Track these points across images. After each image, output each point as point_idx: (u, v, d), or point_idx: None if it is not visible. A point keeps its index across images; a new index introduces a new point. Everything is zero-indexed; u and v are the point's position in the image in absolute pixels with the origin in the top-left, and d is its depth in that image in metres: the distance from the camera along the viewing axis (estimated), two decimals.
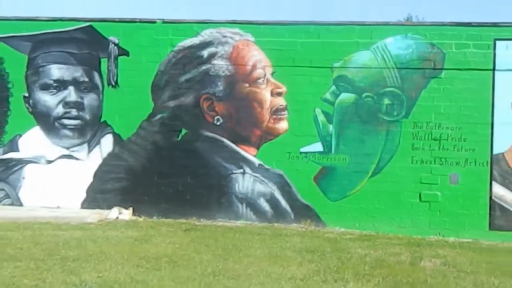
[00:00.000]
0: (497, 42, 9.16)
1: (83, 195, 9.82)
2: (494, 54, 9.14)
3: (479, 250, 7.72)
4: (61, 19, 10.00)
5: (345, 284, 4.99)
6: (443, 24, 9.36)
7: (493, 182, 9.09)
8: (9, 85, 9.99)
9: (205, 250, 6.43)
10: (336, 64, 9.42)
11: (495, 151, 9.12)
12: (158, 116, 9.68)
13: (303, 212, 9.38)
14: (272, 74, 9.51)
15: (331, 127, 9.40)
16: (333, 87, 9.41)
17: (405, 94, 9.27)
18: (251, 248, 6.70)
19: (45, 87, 9.95)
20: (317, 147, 9.43)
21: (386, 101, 9.29)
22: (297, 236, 8.10)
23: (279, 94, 9.46)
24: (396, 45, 9.33)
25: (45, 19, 10.04)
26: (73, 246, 6.38)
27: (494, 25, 9.26)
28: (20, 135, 9.98)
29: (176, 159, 9.63)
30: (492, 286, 5.26)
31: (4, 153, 9.98)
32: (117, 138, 9.81)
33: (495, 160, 9.11)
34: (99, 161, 9.84)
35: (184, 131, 9.69)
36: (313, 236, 8.21)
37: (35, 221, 8.43)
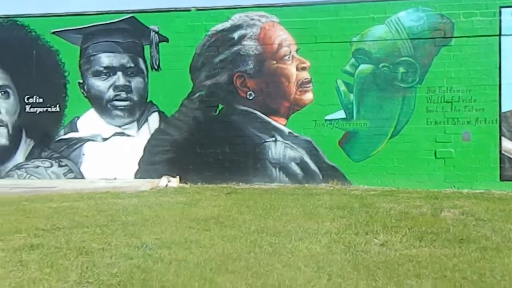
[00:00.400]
0: (502, 9, 8.85)
1: (135, 167, 9.85)
2: (500, 20, 8.85)
3: (492, 199, 7.53)
4: (107, 12, 9.94)
5: (375, 236, 4.87)
6: None
7: (502, 138, 8.88)
8: (66, 74, 10.02)
9: (246, 211, 6.36)
10: (354, 39, 9.22)
11: (503, 109, 8.90)
12: (197, 94, 9.63)
13: (330, 173, 9.28)
14: (297, 51, 9.36)
15: (352, 96, 9.24)
16: (352, 60, 9.22)
17: (418, 62, 9.04)
18: (287, 207, 6.61)
19: (97, 74, 9.95)
20: (340, 114, 9.29)
21: (401, 69, 9.07)
22: (327, 195, 7.98)
23: (304, 68, 9.31)
24: (408, 18, 9.08)
25: (93, 13, 9.98)
26: (131, 212, 6.37)
27: None
28: (78, 117, 10.04)
29: (215, 131, 9.59)
30: (509, 231, 5.10)
31: (65, 133, 10.06)
32: (162, 116, 9.80)
33: (503, 117, 8.88)
34: (147, 136, 9.85)
35: (220, 106, 9.62)
36: (341, 194, 8.09)
37: (96, 191, 8.46)
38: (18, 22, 10.11)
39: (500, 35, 8.85)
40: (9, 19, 10.13)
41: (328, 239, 4.63)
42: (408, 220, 5.63)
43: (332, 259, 3.95)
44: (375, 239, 4.63)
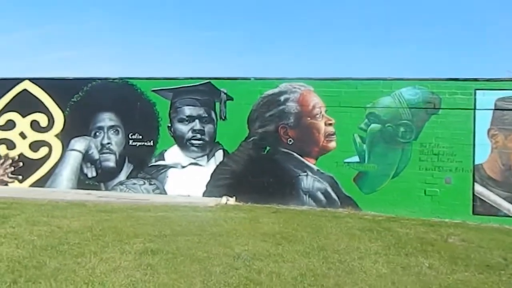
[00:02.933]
0: (477, 91, 8.34)
1: (203, 188, 9.36)
2: (475, 99, 8.31)
3: (473, 229, 6.85)
4: (191, 78, 9.61)
5: (413, 258, 4.21)
6: (440, 79, 8.56)
7: (475, 183, 8.22)
8: (159, 119, 9.61)
9: (299, 228, 5.78)
10: (368, 105, 8.71)
11: (476, 162, 8.29)
12: (252, 138, 9.20)
13: (346, 201, 8.71)
14: (325, 111, 8.89)
15: (364, 146, 8.73)
16: (366, 120, 8.74)
17: (414, 125, 8.53)
18: (327, 227, 6.02)
19: (181, 120, 9.56)
20: (355, 159, 8.76)
21: (402, 129, 8.55)
22: (348, 218, 7.35)
23: (330, 124, 8.85)
24: (408, 93, 8.61)
25: (181, 78, 9.67)
26: (212, 224, 5.82)
27: (475, 80, 8.40)
28: (165, 150, 9.60)
29: (263, 165, 9.11)
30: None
31: (156, 161, 9.61)
32: (226, 152, 9.34)
33: (476, 168, 8.28)
34: (214, 166, 9.39)
35: (268, 148, 9.10)
36: (358, 218, 7.47)
37: (178, 205, 7.94)
38: (128, 82, 9.79)
39: (474, 109, 8.33)
40: (122, 80, 9.83)
41: (382, 259, 4.01)
42: (428, 244, 4.98)
43: (403, 281, 3.32)
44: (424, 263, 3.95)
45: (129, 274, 3.06)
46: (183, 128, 9.58)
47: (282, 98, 9.16)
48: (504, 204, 8.18)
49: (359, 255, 4.23)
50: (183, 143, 9.57)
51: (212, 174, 9.37)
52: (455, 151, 8.38)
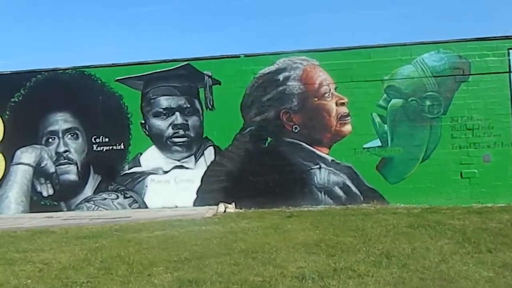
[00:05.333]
0: (510, 51, 8.54)
1: (193, 196, 9.16)
2: (509, 60, 8.52)
3: None
4: (164, 61, 9.31)
5: (496, 254, 4.25)
6: (467, 40, 8.72)
7: None
8: (129, 115, 9.29)
9: (339, 233, 5.71)
10: (385, 77, 8.76)
11: None
12: (248, 129, 9.08)
13: (370, 194, 8.79)
14: (335, 89, 8.86)
15: (386, 126, 8.80)
16: (385, 95, 8.81)
17: (442, 96, 8.70)
18: (367, 228, 6.01)
19: (157, 114, 9.31)
20: (376, 143, 8.84)
21: (428, 102, 8.70)
22: (380, 214, 7.41)
23: (342, 104, 8.87)
24: (431, 59, 8.75)
25: (151, 61, 9.34)
26: (231, 239, 5.70)
27: (507, 38, 8.63)
28: (141, 153, 9.35)
29: (265, 161, 9.01)
30: None
31: (129, 168, 9.34)
32: (217, 149, 9.17)
33: None
34: (204, 168, 9.18)
35: (269, 139, 9.04)
36: (391, 212, 7.54)
37: (169, 219, 7.73)
38: (85, 72, 9.39)
39: (510, 72, 8.54)
40: (77, 69, 9.41)
41: (470, 260, 4.00)
42: (499, 235, 5.06)
43: None
44: None
45: None
46: (161, 123, 9.31)
47: (281, 76, 9.05)
48: None
49: (437, 257, 4.22)
50: (162, 142, 9.31)
51: (202, 177, 9.19)
52: (491, 124, 8.62)
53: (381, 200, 8.71)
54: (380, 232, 5.70)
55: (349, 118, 8.89)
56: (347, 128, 8.89)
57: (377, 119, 8.86)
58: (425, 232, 5.55)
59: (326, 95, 8.93)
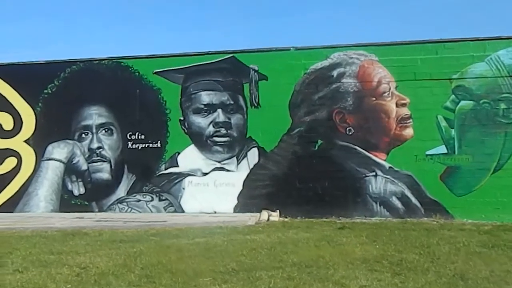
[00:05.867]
0: None
1: (234, 201, 9.17)
2: None
3: None
4: (207, 53, 9.38)
5: None
6: None
7: None
8: (167, 111, 9.41)
9: (402, 250, 5.57)
10: (454, 76, 8.52)
11: None
12: (296, 130, 9.02)
13: (432, 207, 8.55)
14: (396, 87, 8.67)
15: (453, 131, 8.57)
16: (453, 96, 8.57)
17: None
18: (432, 245, 5.84)
19: (197, 111, 9.37)
20: (441, 149, 8.57)
21: (503, 105, 8.41)
22: (445, 230, 7.21)
23: (403, 104, 8.69)
24: (509, 56, 8.44)
25: (194, 53, 9.43)
26: (280, 250, 5.64)
27: None
28: (178, 153, 9.43)
29: (314, 166, 8.93)
30: None
31: (166, 168, 9.44)
32: (262, 151, 9.18)
33: None
34: (247, 171, 9.20)
35: (320, 141, 8.95)
36: (458, 229, 7.31)
37: (208, 226, 7.78)
38: (122, 64, 9.57)
39: None
40: (114, 60, 9.60)
41: None
42: None
43: None
44: None
45: None
46: (201, 121, 9.37)
47: (335, 73, 8.95)
48: None
49: None
50: (202, 141, 9.37)
51: (245, 181, 9.19)
52: None
53: (444, 214, 8.46)
54: (449, 250, 5.52)
55: (410, 120, 8.69)
56: (408, 132, 8.70)
57: (443, 123, 8.63)
58: (502, 253, 5.34)
59: (385, 94, 8.77)
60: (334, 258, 5.14)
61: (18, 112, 9.87)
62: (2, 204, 9.84)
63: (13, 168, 9.87)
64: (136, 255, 5.48)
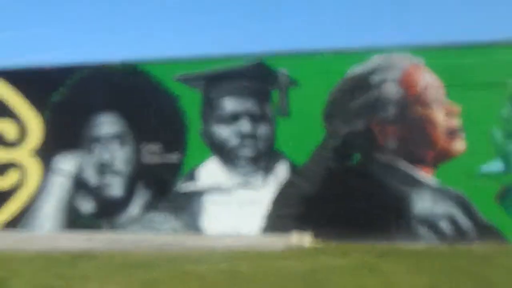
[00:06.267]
0: None
1: (260, 222, 9.04)
2: None
3: None
4: (231, 56, 9.37)
5: None
6: None
7: None
8: (186, 120, 9.43)
9: (460, 284, 5.35)
10: (511, 81, 8.29)
11: None
12: (331, 142, 8.86)
13: (485, 231, 8.26)
14: (445, 95, 8.52)
15: (510, 145, 8.26)
16: (510, 105, 8.27)
17: None
18: (487, 276, 5.59)
19: (220, 120, 9.28)
20: (497, 166, 8.32)
21: None
22: (502, 257, 6.96)
23: (453, 114, 8.45)
24: None
25: (215, 57, 9.40)
26: (315, 279, 5.48)
27: None
28: (198, 166, 9.36)
29: (350, 183, 8.76)
30: None
31: (184, 184, 9.32)
32: (291, 165, 8.99)
33: None
34: (274, 188, 9.01)
35: (357, 155, 8.76)
36: None
37: (231, 249, 7.65)
38: (137, 68, 9.65)
39: None
40: (128, 65, 9.67)
41: None
42: None
43: None
44: None
45: None
46: (225, 131, 9.28)
47: (376, 78, 8.78)
48: None
49: None
50: (225, 154, 9.26)
51: (272, 199, 9.06)
52: None
53: (499, 238, 8.18)
54: (507, 280, 5.33)
55: (461, 132, 8.46)
56: (459, 145, 8.46)
57: (499, 135, 8.38)
58: None
59: (433, 103, 8.56)
60: None
61: (23, 120, 9.93)
62: (3, 222, 9.88)
63: (16, 182, 9.91)
64: (151, 282, 5.37)
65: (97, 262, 6.74)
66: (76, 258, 7.09)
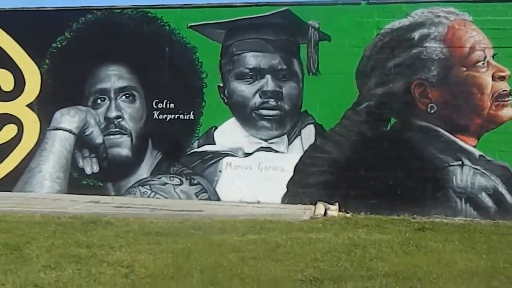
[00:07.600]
0: None
1: (283, 190, 9.17)
2: None
3: None
4: (256, 4, 9.34)
5: None
6: None
7: None
8: (203, 75, 9.39)
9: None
10: None
11: None
12: (364, 105, 8.92)
13: None
14: (494, 56, 8.52)
15: None
16: None
17: None
18: None
19: (241, 76, 9.30)
20: None
21: None
22: None
23: (502, 78, 8.53)
24: None
25: (239, 4, 9.38)
26: (361, 255, 5.54)
27: None
28: (216, 127, 9.43)
29: (385, 150, 8.83)
30: None
31: (200, 146, 9.42)
32: (319, 129, 9.08)
33: None
34: (300, 153, 9.14)
35: (393, 120, 8.87)
36: None
37: (254, 218, 7.74)
38: (149, 14, 9.52)
39: None
40: (139, 10, 9.53)
41: None
42: None
43: None
44: None
45: None
46: (246, 89, 9.29)
47: (416, 34, 8.76)
48: None
49: None
50: (245, 114, 9.30)
51: (297, 165, 9.13)
52: None
53: None
54: None
55: (510, 98, 8.49)
56: (506, 112, 8.50)
57: None
58: None
59: (480, 64, 8.56)
60: (434, 269, 5.05)
61: (20, 70, 9.87)
62: None
63: (12, 138, 9.90)
64: (184, 253, 5.49)
65: (113, 229, 6.85)
66: (88, 223, 7.21)
